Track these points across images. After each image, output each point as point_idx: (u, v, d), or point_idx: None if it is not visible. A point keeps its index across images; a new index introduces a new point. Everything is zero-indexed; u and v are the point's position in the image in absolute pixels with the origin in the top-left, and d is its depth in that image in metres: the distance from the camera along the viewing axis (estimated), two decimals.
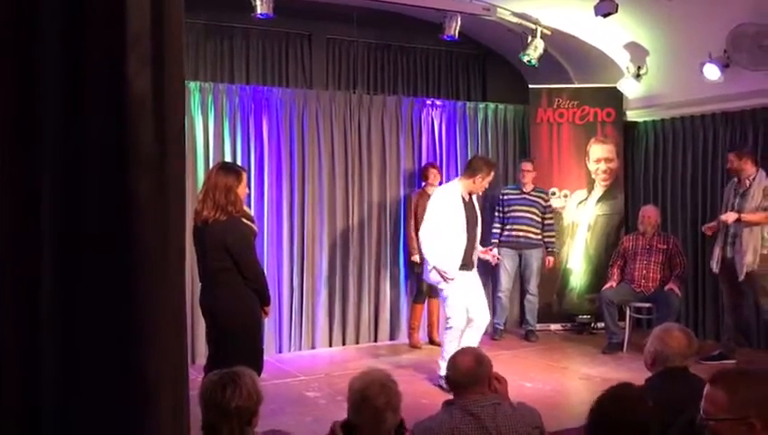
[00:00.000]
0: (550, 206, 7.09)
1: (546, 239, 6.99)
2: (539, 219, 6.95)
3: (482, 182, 5.24)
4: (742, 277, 5.74)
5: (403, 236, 6.97)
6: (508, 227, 6.92)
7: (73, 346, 1.01)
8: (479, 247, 5.53)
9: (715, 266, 5.94)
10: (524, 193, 6.96)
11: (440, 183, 6.41)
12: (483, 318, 5.30)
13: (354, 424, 2.41)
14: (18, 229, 1.02)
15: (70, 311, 1.02)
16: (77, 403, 1.01)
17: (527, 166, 7.01)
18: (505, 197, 7.02)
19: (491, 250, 5.98)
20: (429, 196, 6.46)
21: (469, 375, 2.75)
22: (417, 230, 6.50)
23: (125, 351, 0.98)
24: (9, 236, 1.02)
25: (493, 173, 5.32)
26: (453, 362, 2.87)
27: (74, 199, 1.01)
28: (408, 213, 6.68)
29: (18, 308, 1.03)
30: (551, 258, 7.03)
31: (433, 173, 6.58)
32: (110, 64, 0.93)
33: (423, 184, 6.72)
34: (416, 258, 6.53)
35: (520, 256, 6.96)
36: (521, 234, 6.91)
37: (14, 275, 1.03)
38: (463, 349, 3.24)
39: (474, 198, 5.37)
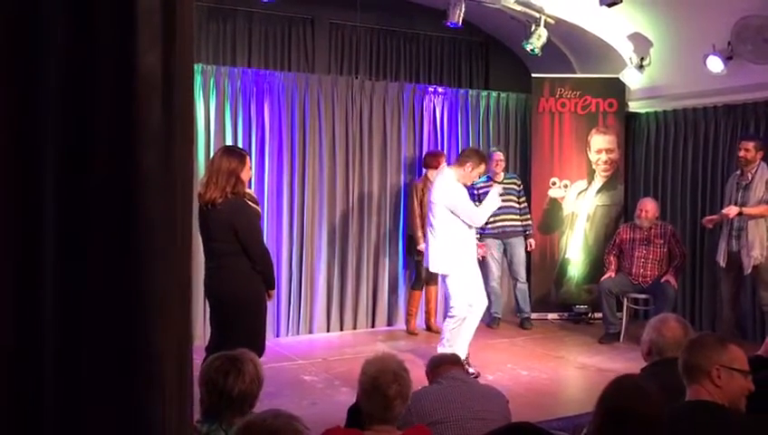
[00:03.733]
0: (522, 189, 7.07)
1: (524, 223, 6.99)
2: (517, 205, 6.95)
3: (471, 172, 5.18)
4: (749, 271, 5.74)
5: (403, 223, 6.97)
6: (491, 219, 6.84)
7: (77, 319, 1.02)
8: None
9: (722, 261, 5.95)
10: (497, 183, 6.88)
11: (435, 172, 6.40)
12: (481, 303, 5.32)
13: (363, 408, 2.43)
14: (19, 199, 1.02)
15: (73, 284, 1.02)
16: (79, 375, 1.02)
17: (499, 155, 6.93)
18: (481, 190, 6.84)
19: (482, 246, 6.00)
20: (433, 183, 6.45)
21: (449, 359, 3.31)
22: (422, 218, 6.47)
23: (130, 324, 0.98)
24: (11, 207, 1.03)
25: (483, 165, 5.26)
26: (433, 357, 3.44)
27: (78, 173, 1.01)
28: (413, 200, 6.59)
29: (18, 282, 1.03)
30: (531, 241, 7.03)
31: (442, 162, 6.45)
32: (120, 39, 0.93)
33: (425, 171, 6.66)
34: (422, 247, 6.48)
35: (504, 245, 6.97)
36: (505, 223, 6.91)
37: (15, 248, 1.03)
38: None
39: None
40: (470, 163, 5.15)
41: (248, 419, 2.00)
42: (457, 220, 5.15)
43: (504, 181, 6.91)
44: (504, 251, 7.00)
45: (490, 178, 6.87)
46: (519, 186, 7.04)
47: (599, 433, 2.18)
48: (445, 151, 7.04)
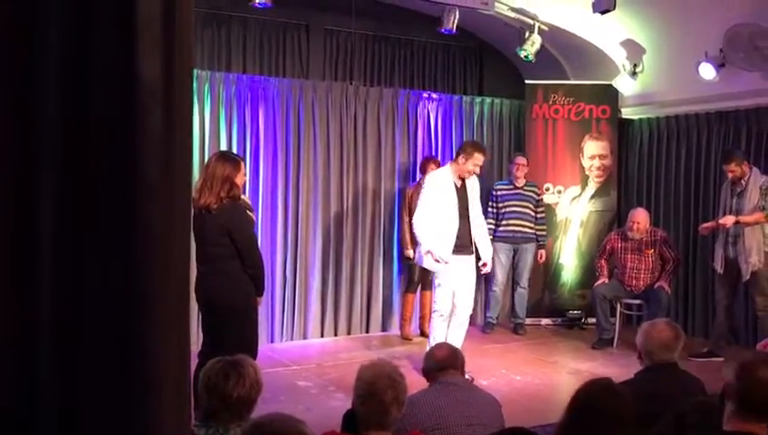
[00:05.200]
0: (542, 199, 7.13)
1: (538, 232, 7.04)
2: (533, 213, 7.00)
3: (465, 163, 5.18)
4: (747, 277, 5.75)
5: (397, 229, 6.98)
6: (504, 222, 6.96)
7: (74, 322, 1.02)
8: (481, 234, 5.48)
9: (719, 267, 5.96)
10: (517, 188, 6.99)
11: None
12: (464, 307, 5.32)
13: (358, 414, 2.44)
14: (18, 204, 1.03)
15: (70, 288, 1.03)
16: (76, 379, 1.02)
17: (522, 160, 7.03)
18: (499, 192, 7.04)
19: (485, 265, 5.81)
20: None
21: (447, 360, 3.11)
22: (409, 224, 6.51)
23: (128, 328, 0.99)
24: (10, 212, 1.03)
25: (477, 155, 5.20)
26: (430, 352, 3.27)
27: (78, 179, 1.02)
28: (403, 206, 6.67)
29: (16, 285, 1.04)
30: (542, 251, 7.08)
31: (432, 168, 6.53)
32: (120, 48, 0.94)
33: (420, 177, 6.70)
34: (410, 253, 6.49)
35: (515, 250, 7.01)
36: (517, 229, 6.95)
37: (14, 252, 1.04)
38: (439, 344, 3.69)
39: (467, 183, 5.34)
40: (462, 155, 5.21)
41: (255, 420, 2.00)
42: (440, 216, 5.16)
43: (525, 188, 6.98)
44: (513, 256, 7.03)
45: (511, 183, 6.99)
46: (538, 195, 7.08)
47: (564, 429, 2.24)
48: (439, 157, 7.09)
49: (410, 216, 6.50)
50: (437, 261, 5.16)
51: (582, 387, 2.33)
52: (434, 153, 7.19)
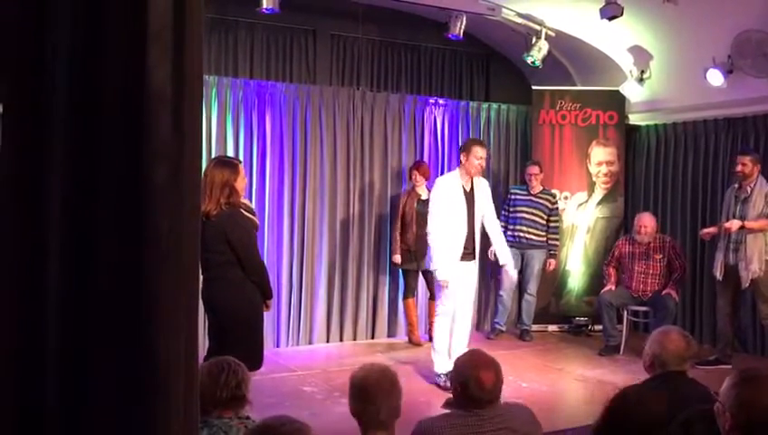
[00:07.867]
0: (556, 208, 7.09)
1: (550, 241, 7.01)
2: (543, 221, 6.97)
3: (467, 161, 5.21)
4: (746, 285, 5.73)
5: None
6: (511, 226, 6.96)
7: (82, 327, 1.02)
8: (498, 238, 5.54)
9: (718, 274, 5.94)
10: (531, 195, 6.97)
11: (427, 183, 6.46)
12: (465, 310, 5.35)
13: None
14: (25, 210, 1.03)
15: (79, 292, 1.03)
16: (84, 385, 1.02)
17: (533, 169, 7.00)
18: (513, 197, 7.06)
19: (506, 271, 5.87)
20: (418, 195, 6.51)
21: (495, 389, 2.72)
22: (401, 231, 6.56)
23: (136, 333, 0.99)
24: (18, 217, 1.03)
25: (475, 148, 5.20)
26: (475, 379, 2.70)
27: (87, 187, 1.02)
28: (396, 212, 6.69)
29: (24, 290, 1.04)
30: (552, 261, 7.04)
31: (419, 172, 6.58)
32: (131, 55, 0.94)
33: (411, 184, 6.72)
34: (396, 259, 6.59)
35: (522, 255, 6.99)
36: (522, 234, 6.94)
37: (21, 256, 1.04)
38: (482, 359, 2.94)
39: (476, 188, 5.34)
40: (463, 154, 5.28)
41: (265, 422, 2.02)
42: (451, 223, 5.19)
43: (538, 195, 6.98)
44: (521, 261, 7.01)
45: (526, 189, 7.00)
46: (552, 204, 7.04)
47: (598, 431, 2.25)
48: (441, 163, 7.12)
49: (402, 221, 6.56)
50: (441, 283, 5.21)
51: (616, 395, 2.33)
52: (440, 159, 7.19)
